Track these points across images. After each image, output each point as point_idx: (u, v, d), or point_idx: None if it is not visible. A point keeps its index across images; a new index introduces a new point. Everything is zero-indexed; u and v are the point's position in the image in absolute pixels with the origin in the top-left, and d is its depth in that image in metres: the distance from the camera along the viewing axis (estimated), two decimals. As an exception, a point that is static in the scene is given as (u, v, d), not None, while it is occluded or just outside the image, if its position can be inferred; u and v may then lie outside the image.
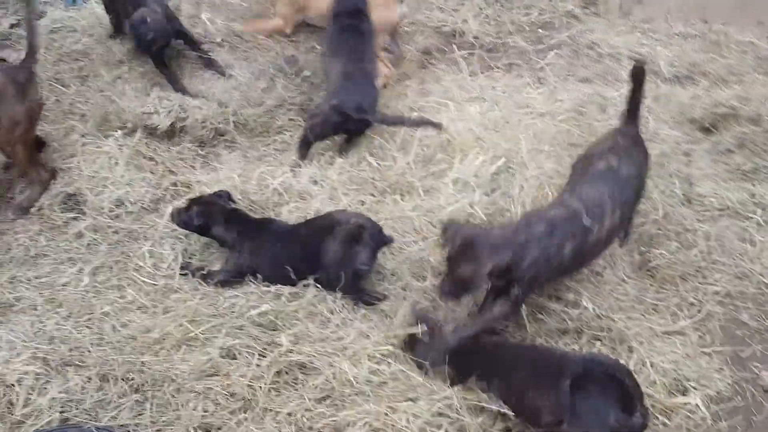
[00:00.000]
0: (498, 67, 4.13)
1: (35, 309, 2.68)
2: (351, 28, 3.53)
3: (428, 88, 3.84)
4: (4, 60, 4.14)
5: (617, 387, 2.12)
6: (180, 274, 2.85)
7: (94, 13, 4.22)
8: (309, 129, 3.37)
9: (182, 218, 2.87)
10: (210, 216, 2.83)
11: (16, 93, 2.98)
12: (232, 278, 2.81)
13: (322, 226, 2.77)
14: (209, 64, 3.90)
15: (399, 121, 3.44)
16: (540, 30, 4.47)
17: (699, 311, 2.75)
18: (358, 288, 2.72)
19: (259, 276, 2.78)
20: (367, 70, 3.45)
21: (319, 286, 2.72)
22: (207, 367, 2.45)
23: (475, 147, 3.23)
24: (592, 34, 4.30)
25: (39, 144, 3.34)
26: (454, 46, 4.25)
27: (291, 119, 3.70)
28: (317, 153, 3.44)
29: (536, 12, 4.60)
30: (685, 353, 2.57)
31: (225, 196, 2.93)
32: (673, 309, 2.77)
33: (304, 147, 3.39)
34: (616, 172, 2.57)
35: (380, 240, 2.75)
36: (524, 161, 3.15)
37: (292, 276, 2.74)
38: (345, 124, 3.32)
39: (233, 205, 2.93)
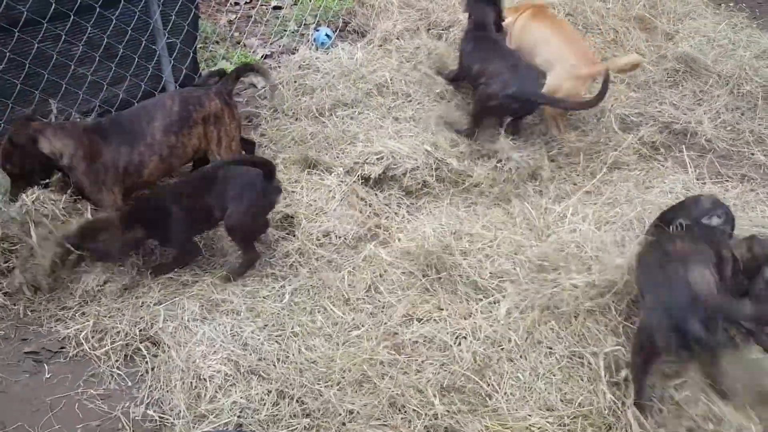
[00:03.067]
0: (729, 177, 3.83)
1: (237, 314, 2.88)
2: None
3: (650, 182, 3.65)
4: (254, 86, 4.63)
5: None
6: None
7: (338, 57, 4.57)
8: (480, 112, 3.89)
9: None
10: None
11: (229, 113, 3.36)
12: None
13: None
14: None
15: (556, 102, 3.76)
16: (784, 147, 4.10)
17: None
18: None
19: None
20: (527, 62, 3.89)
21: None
22: (375, 412, 2.46)
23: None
24: None
25: (250, 145, 3.77)
26: (684, 146, 4.03)
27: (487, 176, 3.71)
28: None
29: (781, 127, 4.24)
30: None
31: None
32: None
33: (474, 128, 3.92)
34: None
35: None
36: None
37: None
38: (518, 110, 3.82)
39: None
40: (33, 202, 3.04)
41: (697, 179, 3.73)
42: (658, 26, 4.84)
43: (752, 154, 4.05)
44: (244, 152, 3.63)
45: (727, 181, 3.80)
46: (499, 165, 3.79)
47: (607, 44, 4.67)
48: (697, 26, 4.90)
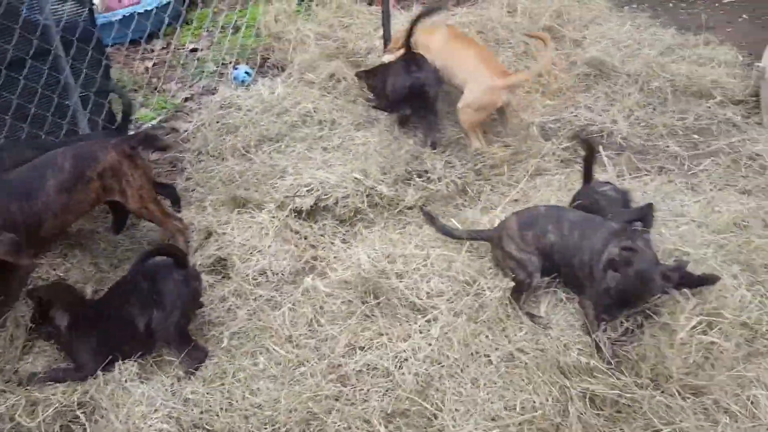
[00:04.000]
0: (648, 171, 3.98)
1: (177, 368, 2.82)
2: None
3: (572, 185, 3.74)
4: (176, 130, 4.59)
5: None
6: None
7: (259, 93, 4.58)
8: (391, 105, 4.18)
9: None
10: None
11: (130, 164, 3.18)
12: None
13: None
14: None
15: None
16: (695, 136, 4.28)
17: None
18: None
19: None
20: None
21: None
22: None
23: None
24: (755, 145, 4.03)
25: (169, 188, 3.71)
26: (601, 146, 4.17)
27: (420, 197, 3.78)
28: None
29: (692, 117, 4.43)
30: None
31: None
32: None
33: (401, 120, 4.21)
34: None
35: None
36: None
37: None
38: (415, 90, 4.02)
39: None
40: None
41: (617, 176, 3.86)
42: (566, 34, 5.03)
43: (667, 146, 4.22)
44: (160, 197, 3.51)
45: (645, 174, 3.95)
46: (431, 186, 3.86)
47: (519, 57, 4.82)
48: (603, 30, 5.10)
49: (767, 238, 3.21)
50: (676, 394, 2.57)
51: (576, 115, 4.44)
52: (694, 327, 2.68)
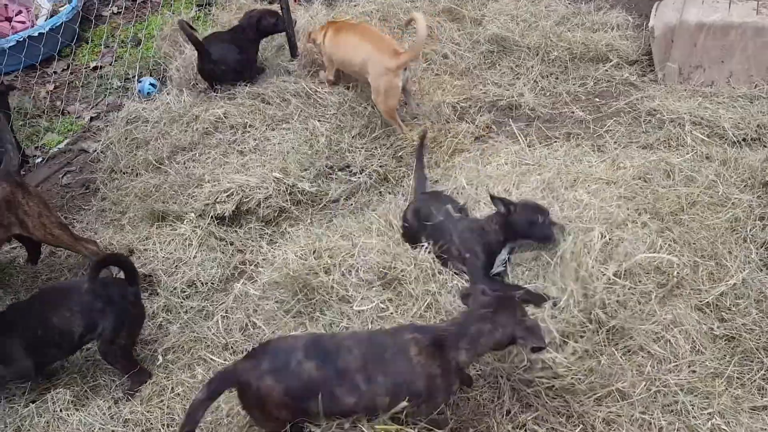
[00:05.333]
0: (556, 137, 4.12)
1: (114, 391, 2.77)
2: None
3: (488, 159, 3.85)
4: (85, 151, 4.45)
5: None
6: None
7: (165, 104, 4.49)
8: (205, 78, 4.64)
9: None
10: None
11: (22, 193, 3.04)
12: None
13: None
14: None
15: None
16: (597, 99, 4.47)
17: (789, 384, 2.58)
18: None
19: None
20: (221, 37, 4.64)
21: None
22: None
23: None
24: (652, 101, 4.25)
25: None
26: (510, 120, 4.30)
27: (343, 190, 3.82)
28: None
29: (592, 82, 4.60)
30: (777, 430, 2.40)
31: None
32: (758, 382, 2.61)
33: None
34: None
35: None
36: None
37: None
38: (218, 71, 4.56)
39: None
40: None
41: (529, 146, 3.99)
42: (465, 14, 5.12)
43: (572, 112, 4.38)
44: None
45: (555, 141, 4.08)
46: (353, 178, 3.89)
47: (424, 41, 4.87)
48: (500, 7, 5.20)
49: (669, 187, 3.40)
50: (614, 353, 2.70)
51: (485, 92, 4.54)
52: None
